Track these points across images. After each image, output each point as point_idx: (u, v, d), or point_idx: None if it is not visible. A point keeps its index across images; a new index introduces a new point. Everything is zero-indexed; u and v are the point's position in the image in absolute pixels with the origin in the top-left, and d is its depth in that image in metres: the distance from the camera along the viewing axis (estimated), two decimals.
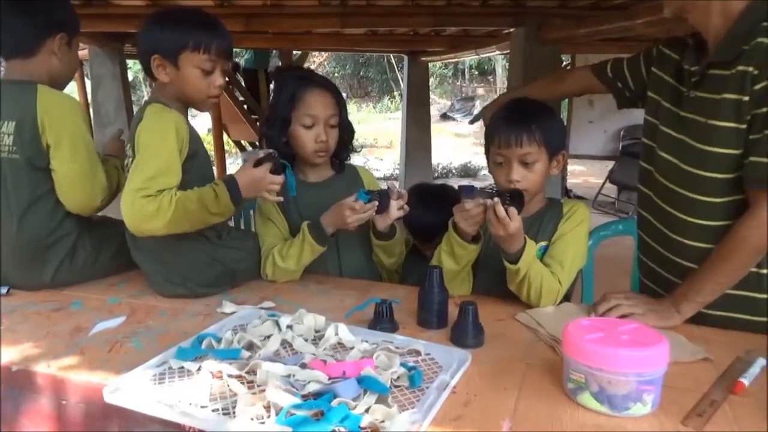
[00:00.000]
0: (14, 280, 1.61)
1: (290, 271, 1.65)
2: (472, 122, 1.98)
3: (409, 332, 1.31)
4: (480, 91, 18.46)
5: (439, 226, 1.53)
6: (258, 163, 1.48)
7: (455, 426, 0.96)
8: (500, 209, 1.32)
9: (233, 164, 10.00)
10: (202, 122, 10.49)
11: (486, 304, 1.43)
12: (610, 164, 7.49)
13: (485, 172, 9.89)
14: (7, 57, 1.59)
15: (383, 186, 1.64)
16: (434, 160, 9.32)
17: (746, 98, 1.25)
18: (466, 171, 11.04)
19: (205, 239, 1.55)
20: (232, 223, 1.94)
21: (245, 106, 7.52)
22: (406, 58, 8.08)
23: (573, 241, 1.51)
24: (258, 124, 6.72)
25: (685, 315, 1.35)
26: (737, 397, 1.05)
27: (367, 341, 1.23)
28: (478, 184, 1.51)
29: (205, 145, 1.61)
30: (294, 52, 7.85)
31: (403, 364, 1.11)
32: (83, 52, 5.70)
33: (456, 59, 9.69)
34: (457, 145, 13.83)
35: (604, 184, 7.48)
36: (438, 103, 17.37)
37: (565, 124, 6.93)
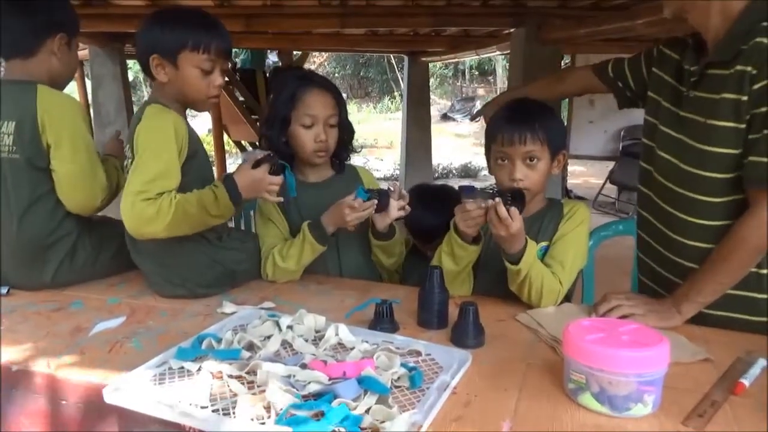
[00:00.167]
0: (14, 280, 1.60)
1: (290, 271, 1.65)
2: (473, 119, 1.99)
3: (410, 332, 1.31)
4: (480, 91, 18.46)
5: (440, 226, 1.53)
6: (257, 165, 1.48)
7: (456, 426, 0.96)
8: (502, 209, 1.32)
9: (233, 164, 10.00)
10: (202, 122, 10.48)
11: (486, 305, 1.43)
12: (611, 164, 7.49)
13: (485, 172, 9.88)
14: (6, 57, 1.59)
15: (384, 187, 1.64)
16: (434, 161, 9.32)
17: (745, 98, 1.25)
18: (467, 171, 11.03)
19: (206, 241, 1.55)
20: (232, 224, 1.94)
21: (245, 107, 7.51)
22: (406, 58, 8.08)
23: (574, 241, 1.51)
24: (258, 124, 6.72)
25: (686, 315, 1.35)
26: (738, 397, 1.05)
27: (367, 341, 1.23)
28: (478, 185, 1.51)
29: (205, 145, 1.61)
30: (294, 52, 7.85)
31: (403, 365, 1.10)
32: (83, 52, 5.70)
33: (456, 59, 9.70)
34: (458, 146, 13.83)
35: (604, 184, 7.48)
36: (438, 104, 17.37)
37: (565, 124, 6.93)
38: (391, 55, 15.35)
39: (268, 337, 1.24)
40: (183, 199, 1.40)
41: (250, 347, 1.20)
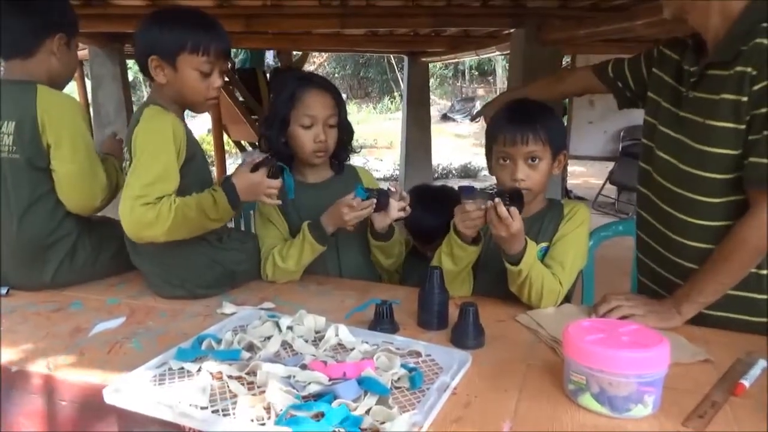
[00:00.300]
0: (14, 281, 1.60)
1: (290, 272, 1.65)
2: (473, 120, 1.99)
3: (410, 333, 1.31)
4: (480, 91, 18.45)
5: (439, 227, 1.53)
6: (255, 168, 1.48)
7: (456, 427, 0.96)
8: (502, 209, 1.31)
9: (233, 165, 9.99)
10: (202, 122, 10.48)
11: (486, 305, 1.43)
12: (610, 165, 7.49)
13: (485, 172, 9.88)
14: (6, 57, 1.59)
15: (384, 187, 1.64)
16: (434, 161, 9.31)
17: (745, 99, 1.25)
18: (466, 172, 11.03)
19: (206, 242, 1.55)
20: (232, 225, 1.94)
21: (245, 107, 7.51)
22: (406, 58, 8.08)
23: (574, 242, 1.51)
24: (258, 124, 6.72)
25: (686, 316, 1.35)
26: (738, 398, 1.05)
27: (367, 342, 1.22)
28: (478, 185, 1.51)
29: (204, 145, 1.61)
30: (294, 53, 7.85)
31: (403, 365, 1.10)
32: (83, 53, 5.70)
33: (456, 60, 9.70)
34: (457, 146, 13.82)
35: (604, 184, 7.48)
36: (438, 104, 17.36)
37: (565, 124, 6.93)
38: (391, 56, 15.35)
39: (268, 338, 1.24)
40: (182, 203, 1.40)
41: (250, 348, 1.20)
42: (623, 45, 5.19)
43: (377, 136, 14.27)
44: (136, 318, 1.42)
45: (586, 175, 10.21)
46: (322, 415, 0.93)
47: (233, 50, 7.74)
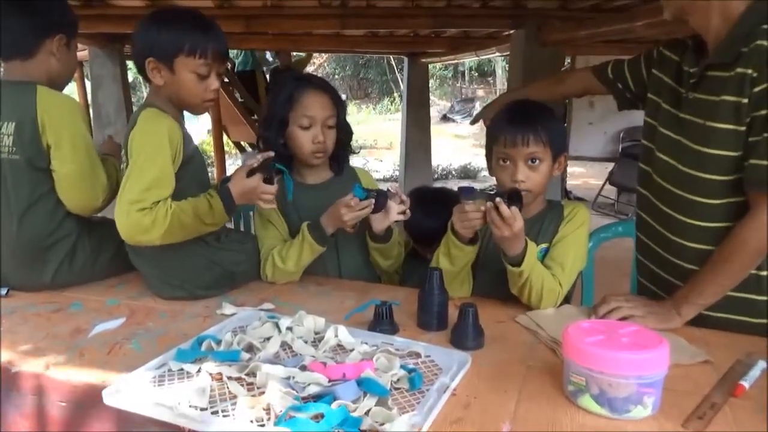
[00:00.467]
0: (14, 281, 1.60)
1: (290, 273, 1.65)
2: (473, 122, 1.99)
3: (409, 334, 1.31)
4: (480, 92, 18.47)
5: (439, 230, 1.53)
6: (251, 173, 1.48)
7: (455, 428, 0.96)
8: (504, 208, 1.31)
9: (233, 165, 9.99)
10: (202, 123, 10.47)
11: (486, 306, 1.43)
12: (610, 166, 7.49)
13: (485, 173, 9.88)
14: (6, 58, 1.59)
15: (384, 188, 1.64)
16: (434, 162, 9.32)
17: (745, 100, 1.24)
18: (466, 172, 11.03)
19: (204, 243, 1.55)
20: (231, 225, 1.94)
21: (244, 107, 7.52)
22: (406, 59, 8.08)
23: (574, 243, 1.51)
24: (257, 125, 6.72)
25: (686, 317, 1.35)
26: (738, 399, 1.05)
27: (367, 343, 1.22)
28: (477, 186, 1.51)
29: (204, 146, 1.61)
30: (294, 53, 7.86)
31: (403, 367, 1.10)
32: (83, 53, 5.70)
33: (456, 61, 9.69)
34: (457, 147, 13.82)
35: (603, 185, 7.48)
36: (438, 105, 17.37)
37: (565, 125, 6.92)
38: (391, 57, 15.36)
39: (268, 339, 1.24)
40: (179, 208, 1.41)
41: (250, 349, 1.20)
42: (623, 46, 5.20)
43: (377, 136, 14.27)
44: (135, 319, 1.42)
45: (585, 176, 10.22)
46: (322, 416, 0.93)
47: (233, 52, 7.79)
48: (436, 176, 10.08)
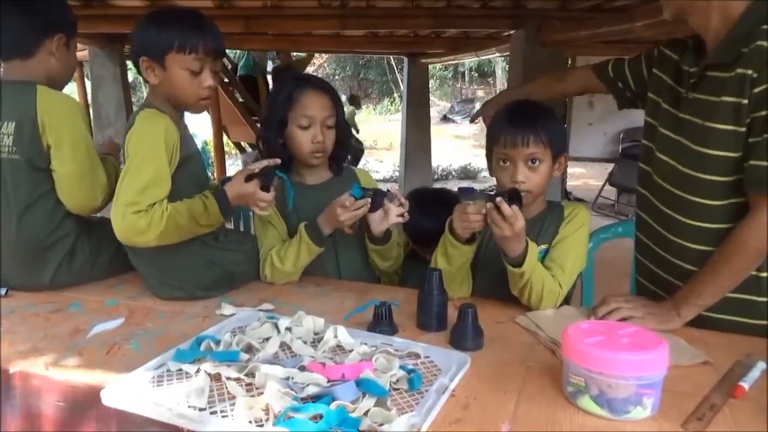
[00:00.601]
0: (13, 282, 1.60)
1: (288, 273, 1.65)
2: (472, 120, 1.98)
3: (409, 335, 1.31)
4: (480, 93, 18.49)
5: (438, 231, 1.52)
6: (250, 178, 1.47)
7: (454, 428, 0.96)
8: (506, 207, 1.31)
9: (233, 165, 9.99)
10: (202, 123, 10.46)
11: (485, 307, 1.42)
12: (610, 166, 7.50)
13: (485, 174, 9.89)
14: (5, 58, 1.59)
15: (384, 188, 1.64)
16: (434, 162, 9.32)
17: (745, 101, 1.24)
18: (466, 173, 11.03)
19: (203, 243, 1.55)
20: (231, 225, 1.94)
21: (245, 108, 7.53)
22: (406, 59, 8.09)
23: (574, 244, 1.51)
24: (258, 125, 6.73)
25: (686, 318, 1.35)
26: (737, 400, 1.05)
27: (366, 344, 1.22)
28: (477, 186, 1.51)
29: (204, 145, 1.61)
30: (295, 54, 7.86)
31: (402, 367, 1.10)
32: (83, 53, 5.70)
33: (456, 61, 9.70)
34: (457, 147, 13.83)
35: (603, 186, 7.49)
36: (438, 105, 17.39)
37: (565, 126, 6.93)
38: (391, 57, 15.37)
39: (267, 339, 1.24)
40: (174, 210, 1.41)
41: (249, 349, 1.20)
42: (623, 46, 5.20)
43: (377, 137, 14.28)
44: (134, 319, 1.42)
45: (585, 177, 10.21)
46: (321, 416, 0.93)
47: (236, 53, 7.80)
48: (436, 177, 10.08)
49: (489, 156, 1.58)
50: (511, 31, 4.53)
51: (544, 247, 1.53)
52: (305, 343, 1.24)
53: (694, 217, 1.37)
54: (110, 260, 1.69)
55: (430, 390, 1.03)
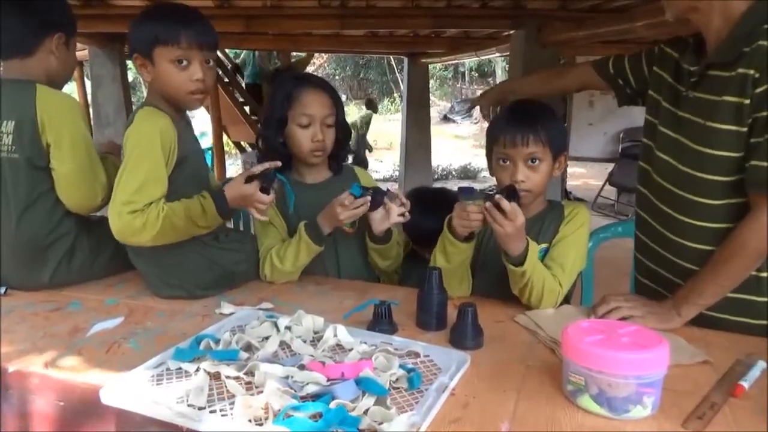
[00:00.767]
0: (13, 281, 1.60)
1: (287, 272, 1.64)
2: (469, 109, 1.99)
3: (408, 334, 1.31)
4: (480, 93, 18.48)
5: (438, 230, 1.52)
6: (249, 179, 1.47)
7: (454, 428, 0.95)
8: (506, 203, 1.31)
9: (233, 165, 10.00)
10: (201, 123, 10.45)
11: (485, 306, 1.42)
12: (610, 166, 7.50)
13: (485, 173, 9.89)
14: (5, 56, 1.59)
15: (383, 188, 1.63)
16: (434, 162, 9.32)
17: (747, 101, 1.24)
18: (466, 173, 11.04)
19: (203, 243, 1.55)
20: (231, 225, 1.93)
21: (245, 108, 7.53)
22: (406, 59, 8.08)
23: (574, 243, 1.51)
24: (258, 125, 6.73)
25: (686, 318, 1.34)
26: (737, 399, 1.05)
27: (365, 343, 1.22)
28: (477, 186, 1.51)
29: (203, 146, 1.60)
30: (295, 54, 7.86)
31: (402, 366, 1.10)
32: (83, 53, 5.69)
33: (456, 61, 9.70)
34: (457, 147, 13.83)
35: (603, 186, 7.49)
36: (438, 105, 17.39)
37: (565, 125, 6.92)
38: (391, 57, 15.37)
39: (267, 338, 1.24)
40: (170, 211, 1.40)
41: (248, 348, 1.20)
42: (623, 47, 5.19)
43: (377, 137, 14.26)
44: (134, 318, 1.42)
45: (585, 177, 10.22)
46: (320, 415, 0.93)
47: (241, 58, 7.81)
48: (436, 176, 10.09)
49: (489, 156, 1.58)
50: (511, 31, 4.53)
51: (544, 246, 1.52)
52: (305, 342, 1.24)
53: (694, 216, 1.37)
54: (110, 259, 1.68)
55: (429, 389, 1.03)
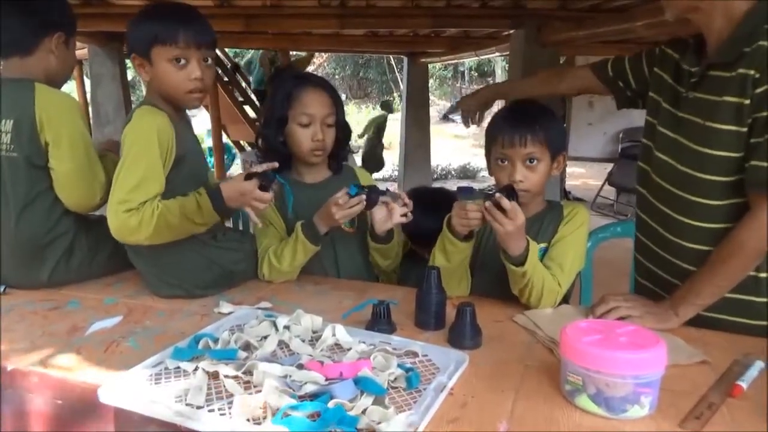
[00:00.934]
0: (12, 279, 1.60)
1: (285, 272, 1.64)
2: (447, 114, 1.97)
3: (407, 333, 1.31)
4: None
5: (437, 230, 1.52)
6: (249, 177, 1.46)
7: (452, 427, 0.95)
8: (506, 201, 1.31)
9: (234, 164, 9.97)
10: (202, 122, 10.47)
11: (484, 306, 1.42)
12: (609, 166, 7.51)
13: (484, 173, 9.89)
14: (5, 55, 1.59)
15: (383, 188, 1.63)
16: (433, 162, 9.32)
17: (747, 101, 1.24)
18: (465, 172, 11.04)
19: (202, 242, 1.55)
20: (230, 225, 1.93)
21: (245, 107, 7.54)
22: (405, 59, 8.09)
23: (573, 243, 1.51)
24: (257, 124, 6.74)
25: (684, 318, 1.34)
26: (735, 400, 1.05)
27: (364, 342, 1.22)
28: (477, 186, 1.51)
29: (204, 145, 1.60)
30: (295, 53, 7.86)
31: (400, 366, 1.10)
32: (83, 52, 5.69)
33: (456, 61, 9.70)
34: (457, 147, 13.83)
35: (603, 186, 7.49)
36: (437, 105, 17.38)
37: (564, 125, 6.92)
38: (391, 56, 15.36)
39: (265, 338, 1.24)
40: (165, 208, 1.40)
41: (247, 347, 1.20)
42: (623, 46, 5.20)
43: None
44: (133, 317, 1.42)
45: (585, 177, 10.23)
46: (319, 415, 0.93)
47: (246, 63, 7.82)
48: (435, 176, 10.09)
49: (488, 156, 1.58)
50: (511, 31, 4.53)
51: (543, 245, 1.52)
52: (303, 341, 1.24)
53: (692, 216, 1.37)
54: (108, 258, 1.68)
55: (428, 388, 1.03)
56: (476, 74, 18.87)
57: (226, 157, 7.80)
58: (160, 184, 1.42)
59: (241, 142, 8.58)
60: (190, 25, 1.46)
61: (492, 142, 1.53)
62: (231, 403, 0.98)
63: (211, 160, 6.64)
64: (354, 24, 4.65)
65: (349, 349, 1.19)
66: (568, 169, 9.52)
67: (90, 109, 5.93)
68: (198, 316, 1.43)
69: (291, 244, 1.62)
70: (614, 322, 1.19)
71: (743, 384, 1.07)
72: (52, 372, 1.14)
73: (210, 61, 1.52)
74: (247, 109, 7.70)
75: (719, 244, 1.32)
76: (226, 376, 1.06)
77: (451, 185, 8.56)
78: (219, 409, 0.98)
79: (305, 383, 1.04)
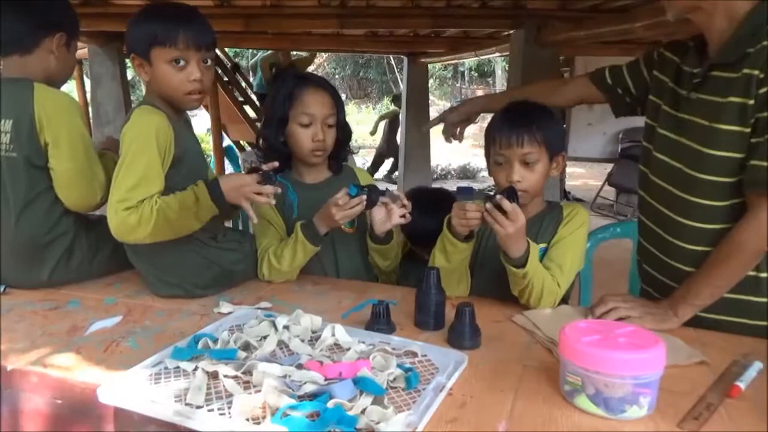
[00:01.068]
0: (11, 279, 1.60)
1: (285, 272, 1.65)
2: (426, 128, 1.93)
3: (406, 333, 1.31)
4: (480, 93, 18.46)
5: (436, 230, 1.52)
6: (249, 172, 1.46)
7: (451, 427, 0.96)
8: (507, 203, 1.31)
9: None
10: (201, 122, 10.46)
11: (483, 306, 1.43)
12: (609, 167, 7.50)
13: (484, 173, 9.89)
14: (4, 53, 1.59)
15: (383, 188, 1.63)
16: (433, 162, 9.31)
17: (751, 102, 1.24)
18: (465, 173, 11.03)
19: (201, 242, 1.55)
20: (230, 224, 1.93)
21: (245, 107, 7.54)
22: (405, 59, 8.09)
23: (572, 244, 1.51)
24: (257, 124, 6.75)
25: (683, 318, 1.35)
26: (734, 400, 1.05)
27: (363, 342, 1.22)
28: (476, 186, 1.51)
29: (203, 145, 1.60)
30: (295, 53, 7.86)
31: (399, 366, 1.10)
32: (83, 51, 5.69)
33: (455, 61, 9.70)
34: (456, 147, 13.76)
35: (602, 186, 7.49)
36: (437, 105, 17.36)
37: (564, 126, 6.92)
38: (391, 56, 15.36)
39: (265, 338, 1.24)
40: (164, 204, 1.39)
41: (247, 347, 1.20)
42: (623, 47, 5.20)
43: (377, 136, 14.25)
44: (132, 317, 1.42)
45: (584, 177, 10.23)
46: (318, 414, 0.93)
47: (249, 67, 7.84)
48: (435, 176, 10.09)
49: (487, 156, 1.59)
50: (511, 31, 4.54)
51: (542, 246, 1.53)
52: (303, 341, 1.24)
53: (692, 217, 1.37)
54: (108, 258, 1.69)
55: (427, 388, 1.03)
56: (476, 74, 18.89)
57: (230, 161, 7.80)
58: (159, 183, 1.42)
59: (241, 142, 8.58)
60: (190, 27, 1.46)
61: (490, 142, 1.53)
62: (230, 402, 0.98)
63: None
64: (354, 24, 4.65)
65: (348, 349, 1.19)
66: (568, 170, 9.52)
67: (90, 108, 5.93)
68: (197, 316, 1.43)
69: (291, 245, 1.62)
70: (613, 323, 1.19)
71: (741, 384, 1.08)
72: (51, 372, 1.14)
73: (209, 62, 1.52)
74: (247, 109, 7.70)
75: (718, 245, 1.32)
76: (226, 376, 1.07)
77: (451, 185, 8.57)
78: (218, 409, 0.98)
79: (304, 383, 1.04)
